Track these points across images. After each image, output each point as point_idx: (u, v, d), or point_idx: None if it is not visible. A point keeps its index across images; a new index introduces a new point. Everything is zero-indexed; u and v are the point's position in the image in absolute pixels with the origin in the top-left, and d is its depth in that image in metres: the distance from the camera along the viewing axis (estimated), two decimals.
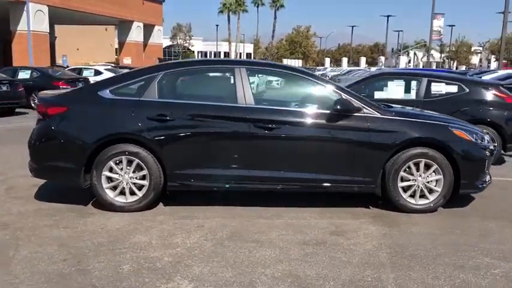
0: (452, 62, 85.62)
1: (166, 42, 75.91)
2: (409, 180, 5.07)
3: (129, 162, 4.92)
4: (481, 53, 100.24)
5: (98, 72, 19.03)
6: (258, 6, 79.46)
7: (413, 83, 8.06)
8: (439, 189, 5.06)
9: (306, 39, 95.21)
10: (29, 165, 5.14)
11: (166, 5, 58.59)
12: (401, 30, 78.14)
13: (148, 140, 4.87)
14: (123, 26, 38.98)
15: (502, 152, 7.87)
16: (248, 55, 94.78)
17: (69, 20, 38.02)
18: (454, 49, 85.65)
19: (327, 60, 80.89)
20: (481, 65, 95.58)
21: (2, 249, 3.95)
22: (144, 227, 4.53)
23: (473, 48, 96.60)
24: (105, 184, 4.93)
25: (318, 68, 59.98)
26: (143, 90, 5.02)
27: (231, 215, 4.95)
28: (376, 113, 5.03)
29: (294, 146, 5.00)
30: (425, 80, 7.97)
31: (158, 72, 5.10)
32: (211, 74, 5.46)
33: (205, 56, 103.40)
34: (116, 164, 4.91)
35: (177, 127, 4.91)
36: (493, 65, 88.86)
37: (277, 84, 7.85)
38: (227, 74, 5.17)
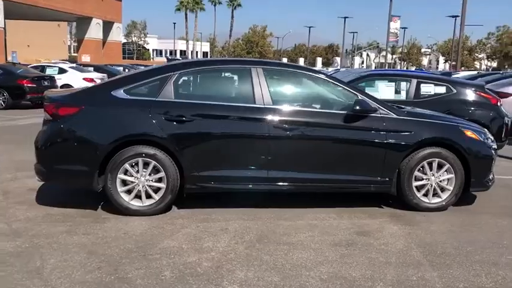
0: (403, 62, 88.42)
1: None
2: (423, 179, 5.17)
3: (145, 165, 4.75)
4: (430, 54, 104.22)
5: (62, 70, 18.33)
6: (215, 5, 79.22)
7: (403, 84, 8.25)
8: (451, 188, 5.20)
9: (263, 39, 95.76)
10: (36, 168, 4.87)
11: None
12: (356, 32, 79.98)
13: (166, 141, 4.72)
14: (82, 23, 37.78)
15: None
16: (204, 54, 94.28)
17: (24, 15, 36.49)
18: (406, 51, 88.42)
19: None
20: (430, 66, 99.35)
21: (26, 258, 3.72)
22: (167, 231, 4.39)
23: (422, 50, 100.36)
24: (120, 187, 4.74)
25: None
26: (159, 90, 4.86)
27: (250, 217, 4.88)
28: (391, 113, 5.10)
29: (313, 147, 4.99)
30: (414, 81, 8.16)
31: (174, 71, 4.95)
32: (227, 74, 5.36)
33: (160, 54, 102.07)
34: (132, 166, 4.74)
35: (195, 128, 4.79)
36: (441, 66, 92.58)
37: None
38: (244, 74, 5.08)
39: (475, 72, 29.59)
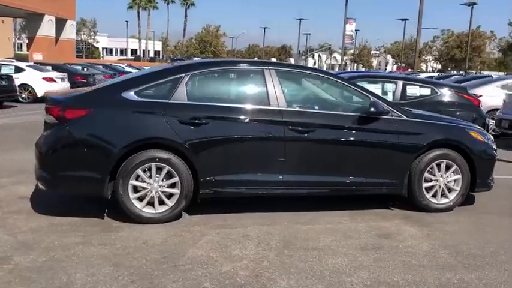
0: (354, 64, 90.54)
1: None
2: (432, 180, 5.23)
3: (158, 170, 4.54)
4: (379, 56, 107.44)
5: (19, 69, 17.35)
6: (168, 4, 78.10)
7: (390, 86, 8.38)
8: (458, 189, 5.29)
9: (216, 39, 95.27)
10: (39, 175, 4.54)
11: None
12: (310, 33, 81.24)
13: (180, 144, 4.53)
14: (33, 19, 35.98)
15: None
16: (156, 53, 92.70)
17: None
18: (357, 52, 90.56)
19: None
20: (379, 68, 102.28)
21: (48, 273, 3.44)
22: (189, 239, 4.20)
23: (372, 52, 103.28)
24: (132, 194, 4.50)
25: None
26: (171, 92, 4.66)
27: (265, 221, 4.76)
28: (402, 115, 5.13)
29: (328, 149, 4.94)
30: (401, 83, 8.31)
31: (186, 72, 4.76)
32: (240, 75, 5.19)
33: (111, 53, 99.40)
34: (144, 171, 4.51)
35: (211, 131, 4.62)
36: (389, 67, 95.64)
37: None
38: (257, 75, 4.96)
39: (436, 74, 30.70)
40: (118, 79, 5.06)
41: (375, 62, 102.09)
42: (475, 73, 48.62)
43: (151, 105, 4.58)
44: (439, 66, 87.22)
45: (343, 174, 4.99)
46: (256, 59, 59.41)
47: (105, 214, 4.76)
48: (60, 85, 17.81)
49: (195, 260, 3.77)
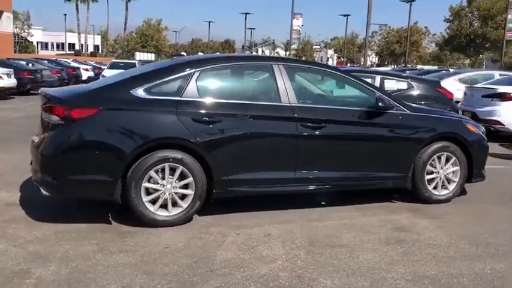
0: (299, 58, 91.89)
1: None
2: (433, 172, 5.36)
3: (171, 170, 4.34)
4: (320, 51, 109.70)
5: None
6: None
7: (368, 81, 8.47)
8: (456, 180, 5.45)
9: (158, 33, 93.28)
10: (42, 180, 4.20)
11: None
12: (254, 28, 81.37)
13: (194, 144, 4.35)
14: None
15: None
16: (96, 47, 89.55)
17: None
18: (300, 47, 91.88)
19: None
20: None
21: (80, 286, 3.19)
22: (212, 242, 4.05)
23: (314, 47, 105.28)
24: (144, 197, 4.28)
25: None
26: (182, 89, 4.46)
27: (278, 220, 4.68)
28: (405, 109, 5.21)
29: (338, 145, 4.93)
30: (378, 78, 8.47)
31: (195, 68, 4.56)
32: (250, 71, 5.06)
33: (46, 47, 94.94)
34: (156, 172, 4.30)
35: (224, 128, 4.47)
36: (330, 62, 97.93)
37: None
38: (266, 71, 4.85)
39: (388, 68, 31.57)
40: (121, 76, 4.76)
41: (317, 57, 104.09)
42: (411, 67, 50.73)
43: (163, 103, 4.36)
44: (376, 60, 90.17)
45: (353, 169, 5.01)
46: (200, 53, 58.59)
47: (110, 219, 4.50)
48: (6, 82, 16.77)
49: (229, 263, 3.63)
